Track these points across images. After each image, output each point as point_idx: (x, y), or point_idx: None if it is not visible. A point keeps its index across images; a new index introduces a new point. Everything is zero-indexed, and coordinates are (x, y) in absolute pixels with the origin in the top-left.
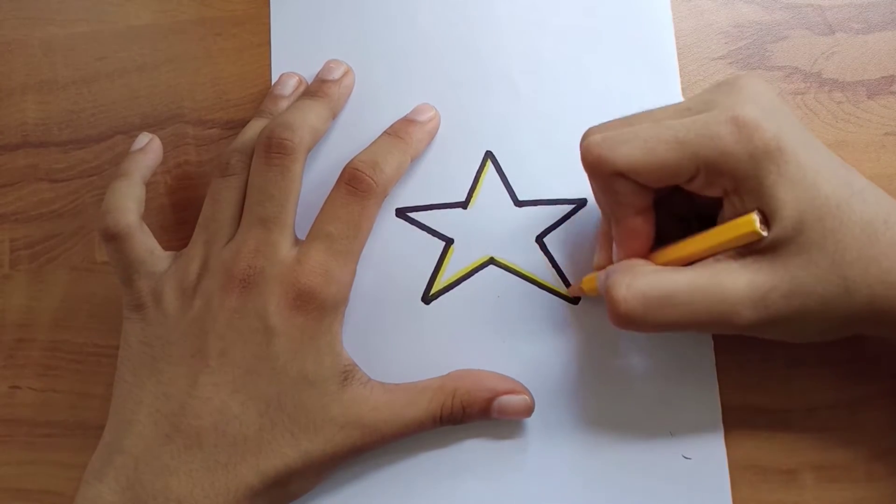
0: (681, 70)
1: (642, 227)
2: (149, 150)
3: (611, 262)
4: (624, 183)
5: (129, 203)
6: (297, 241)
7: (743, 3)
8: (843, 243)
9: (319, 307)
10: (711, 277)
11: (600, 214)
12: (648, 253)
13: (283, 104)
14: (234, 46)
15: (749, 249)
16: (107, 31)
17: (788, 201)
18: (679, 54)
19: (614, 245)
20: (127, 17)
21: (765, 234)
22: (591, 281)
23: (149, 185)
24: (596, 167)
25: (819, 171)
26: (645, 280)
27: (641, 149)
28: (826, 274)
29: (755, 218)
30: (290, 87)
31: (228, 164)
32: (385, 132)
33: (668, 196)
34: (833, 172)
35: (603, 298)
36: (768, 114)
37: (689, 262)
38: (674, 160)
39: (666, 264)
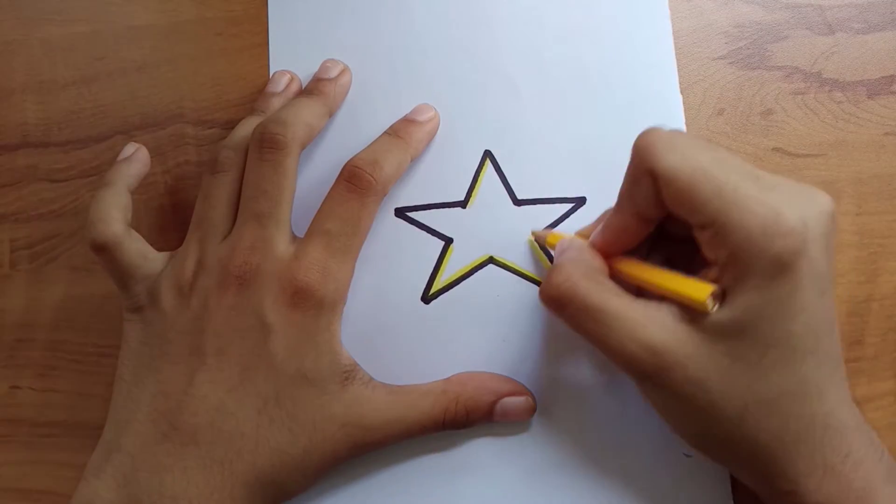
0: (681, 70)
1: (630, 231)
2: (134, 159)
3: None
4: (648, 185)
5: (112, 212)
6: (294, 238)
7: (743, 3)
8: (761, 392)
9: (317, 305)
10: (642, 316)
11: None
12: (619, 253)
13: (275, 101)
14: (234, 46)
15: (696, 321)
16: (107, 31)
17: (756, 311)
18: (679, 54)
19: (600, 226)
20: (127, 17)
21: (711, 310)
22: (556, 238)
23: (149, 185)
24: (640, 155)
25: (816, 332)
26: (587, 284)
27: (686, 173)
28: (734, 391)
29: (711, 291)
30: (281, 84)
31: (217, 160)
32: (385, 132)
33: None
34: (825, 343)
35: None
36: (816, 238)
37: (640, 284)
38: (702, 199)
39: (623, 273)
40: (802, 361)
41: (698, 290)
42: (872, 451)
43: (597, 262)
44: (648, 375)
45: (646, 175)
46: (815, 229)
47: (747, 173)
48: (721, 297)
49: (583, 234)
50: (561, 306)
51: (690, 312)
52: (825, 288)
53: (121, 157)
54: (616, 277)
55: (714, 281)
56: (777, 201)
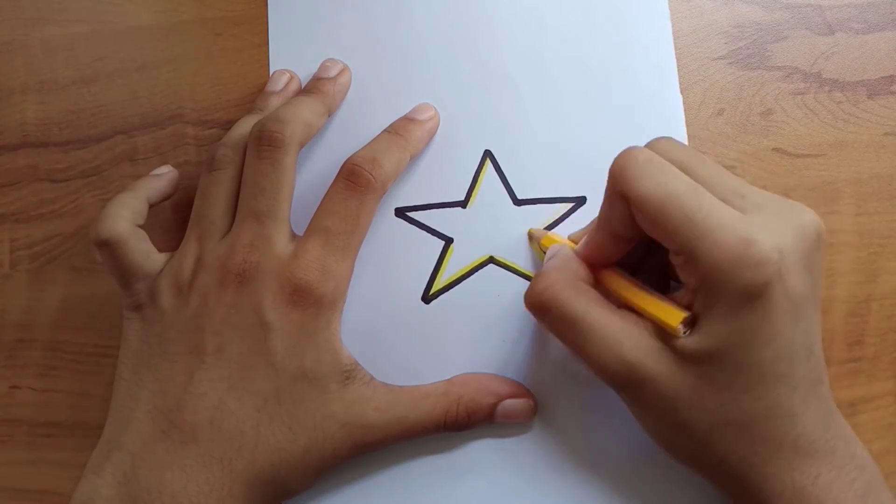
0: (680, 70)
1: (609, 248)
2: (163, 177)
3: (576, 241)
4: (622, 207)
5: (122, 212)
6: (293, 236)
7: (743, 3)
8: (730, 414)
9: (316, 303)
10: (619, 330)
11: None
12: (603, 265)
13: (274, 100)
14: (234, 46)
15: (670, 342)
16: (107, 31)
17: (725, 339)
18: (679, 54)
19: (584, 239)
20: (127, 17)
21: (682, 335)
22: (549, 241)
23: None
24: (614, 178)
25: (790, 357)
26: (568, 293)
27: (657, 199)
28: (703, 412)
29: (683, 318)
30: (280, 83)
31: (215, 158)
32: (385, 130)
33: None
34: (800, 368)
35: None
36: (793, 264)
37: (620, 300)
38: (672, 226)
39: (605, 286)
40: (773, 387)
41: (671, 315)
42: (848, 470)
43: (581, 270)
44: (622, 387)
45: (620, 199)
46: (791, 255)
47: (730, 193)
48: (692, 322)
49: (574, 238)
50: (542, 312)
51: (665, 332)
52: (803, 312)
53: (152, 173)
54: (601, 287)
55: (687, 304)
56: (752, 228)
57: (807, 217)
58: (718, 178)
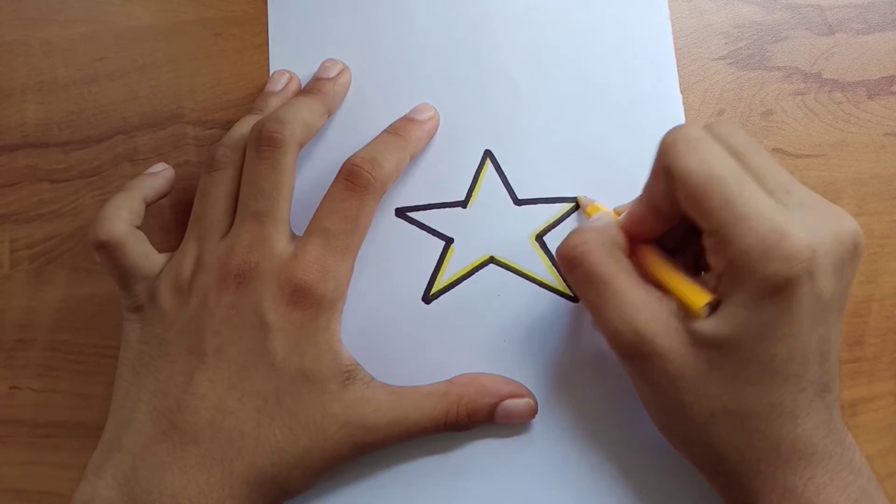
0: (681, 70)
1: (649, 222)
2: (159, 175)
3: (620, 213)
4: (664, 183)
5: (120, 213)
6: (293, 237)
7: (743, 3)
8: (730, 404)
9: (316, 303)
10: (641, 301)
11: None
12: (641, 240)
13: (273, 100)
14: (234, 47)
15: (688, 322)
16: (107, 32)
17: (741, 327)
18: (679, 54)
19: (626, 211)
20: (127, 18)
21: (703, 315)
22: (594, 209)
23: None
24: (661, 151)
25: (804, 358)
26: (600, 254)
27: (699, 177)
28: (704, 398)
29: (708, 300)
30: (280, 83)
31: (214, 158)
32: (385, 130)
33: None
34: (812, 371)
35: None
36: (825, 266)
37: (650, 275)
38: (710, 206)
39: (639, 259)
40: (782, 384)
41: (697, 295)
42: (844, 475)
43: (619, 238)
44: (630, 357)
45: (663, 172)
46: (824, 257)
47: (776, 187)
48: (716, 307)
49: (619, 211)
50: (571, 267)
51: (685, 312)
52: (825, 316)
53: (148, 171)
54: (635, 261)
55: (712, 288)
56: (789, 222)
57: (848, 224)
58: (768, 170)
